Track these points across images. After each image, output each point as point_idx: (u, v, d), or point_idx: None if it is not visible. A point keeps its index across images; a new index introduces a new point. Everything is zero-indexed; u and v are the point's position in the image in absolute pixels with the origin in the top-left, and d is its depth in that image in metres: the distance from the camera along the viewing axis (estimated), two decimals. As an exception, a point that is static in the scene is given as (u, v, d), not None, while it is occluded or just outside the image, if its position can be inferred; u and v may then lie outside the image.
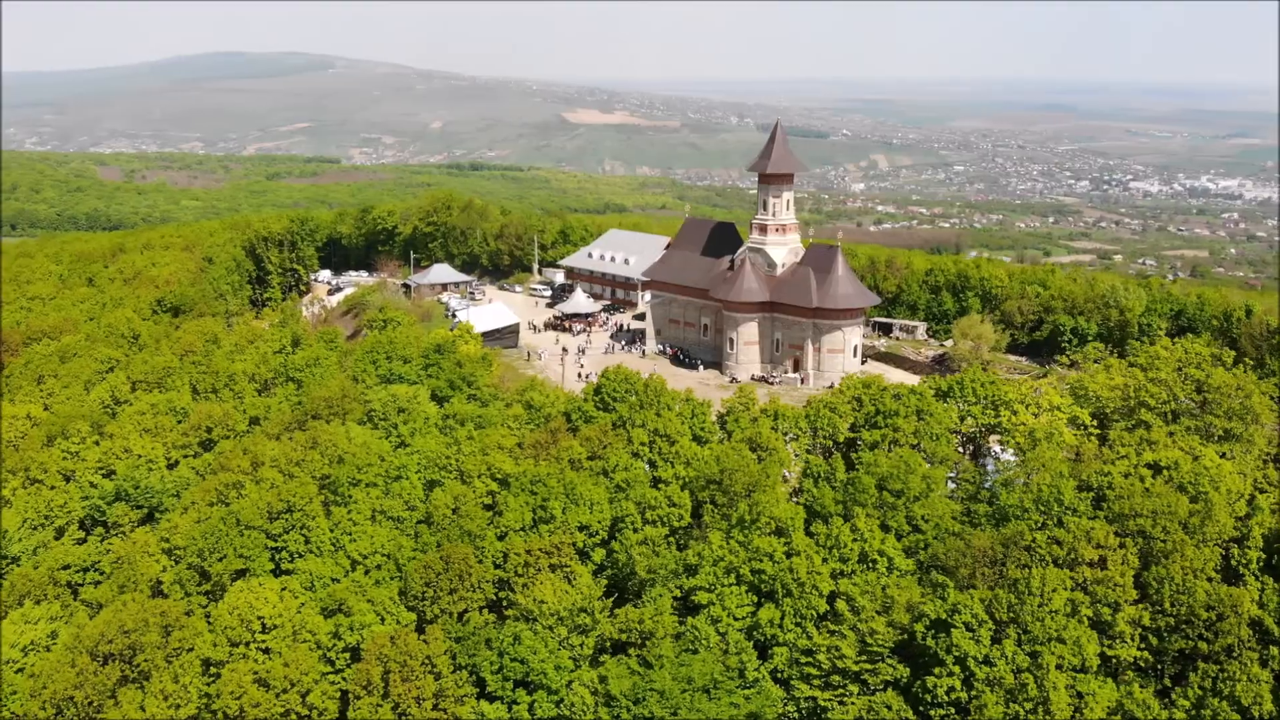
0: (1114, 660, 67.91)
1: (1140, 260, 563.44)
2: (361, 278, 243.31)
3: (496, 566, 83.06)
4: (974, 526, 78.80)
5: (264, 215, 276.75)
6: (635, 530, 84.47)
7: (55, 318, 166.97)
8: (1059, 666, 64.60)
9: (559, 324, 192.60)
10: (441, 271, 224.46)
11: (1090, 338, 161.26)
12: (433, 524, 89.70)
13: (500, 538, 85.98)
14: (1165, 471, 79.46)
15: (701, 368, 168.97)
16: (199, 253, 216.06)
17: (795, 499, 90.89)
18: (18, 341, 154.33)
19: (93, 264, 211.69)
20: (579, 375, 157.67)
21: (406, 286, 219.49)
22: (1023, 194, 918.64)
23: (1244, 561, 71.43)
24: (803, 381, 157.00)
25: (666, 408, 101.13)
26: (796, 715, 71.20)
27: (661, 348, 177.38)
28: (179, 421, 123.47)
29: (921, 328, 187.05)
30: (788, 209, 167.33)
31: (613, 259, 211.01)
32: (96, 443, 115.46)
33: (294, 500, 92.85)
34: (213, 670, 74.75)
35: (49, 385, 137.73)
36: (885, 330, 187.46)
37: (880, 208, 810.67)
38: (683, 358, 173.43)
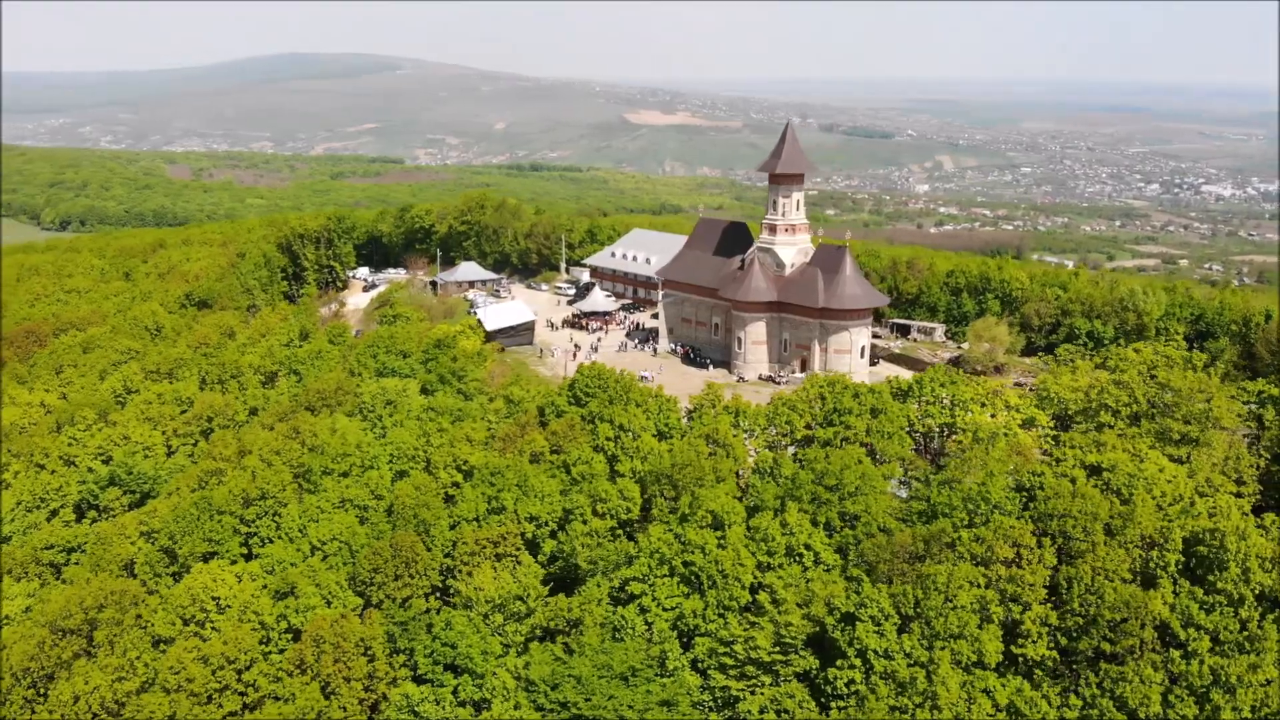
0: (1022, 659, 67.43)
1: (1206, 265, 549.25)
2: (397, 275, 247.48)
3: (446, 555, 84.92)
4: (908, 524, 78.75)
5: (301, 213, 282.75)
6: (584, 522, 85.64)
7: (86, 310, 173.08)
8: (957, 662, 64.51)
9: (576, 322, 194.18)
10: (469, 269, 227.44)
11: (1106, 341, 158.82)
12: (393, 513, 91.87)
13: (453, 527, 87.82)
14: (1103, 474, 78.47)
15: (712, 367, 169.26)
16: (233, 249, 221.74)
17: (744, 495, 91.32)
18: (48, 332, 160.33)
19: (133, 259, 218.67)
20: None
21: (434, 284, 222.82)
22: (1091, 197, 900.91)
23: (1161, 564, 70.61)
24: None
25: (635, 404, 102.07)
26: (711, 703, 72.07)
27: (673, 346, 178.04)
28: (183, 411, 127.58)
29: (940, 329, 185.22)
30: (798, 209, 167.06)
31: (634, 258, 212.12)
32: (100, 430, 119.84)
33: (268, 488, 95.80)
34: (162, 647, 77.67)
35: (68, 374, 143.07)
36: (903, 332, 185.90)
37: (943, 209, 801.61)
38: (693, 356, 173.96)
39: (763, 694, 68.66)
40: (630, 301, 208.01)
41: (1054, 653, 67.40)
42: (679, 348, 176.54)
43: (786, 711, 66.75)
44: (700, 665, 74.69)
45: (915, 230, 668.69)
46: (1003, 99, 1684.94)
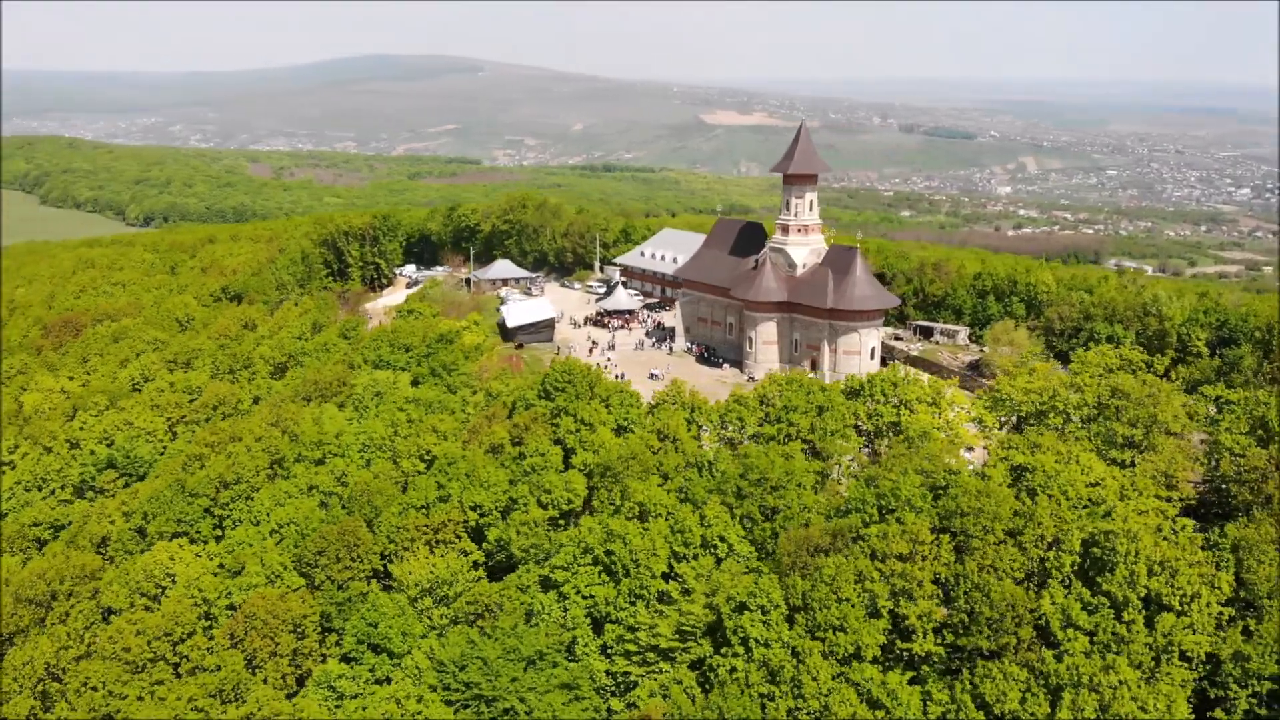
0: (906, 654, 67.57)
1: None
2: (440, 273, 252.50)
3: (390, 540, 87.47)
4: (828, 519, 79.16)
5: (346, 211, 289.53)
6: (524, 511, 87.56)
7: (124, 302, 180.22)
8: (834, 654, 65.09)
9: (599, 320, 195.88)
10: (502, 267, 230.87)
11: (1127, 346, 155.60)
12: (349, 499, 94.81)
13: (402, 513, 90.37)
14: (1026, 475, 77.77)
15: (726, 366, 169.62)
16: (276, 245, 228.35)
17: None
18: (85, 323, 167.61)
19: (182, 254, 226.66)
20: (597, 365, 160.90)
21: (468, 281, 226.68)
22: (1178, 201, 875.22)
23: (1057, 565, 69.68)
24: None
25: (599, 399, 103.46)
26: (612, 688, 73.61)
27: (689, 345, 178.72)
28: (191, 400, 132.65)
29: (963, 332, 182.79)
30: (811, 210, 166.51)
31: (662, 258, 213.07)
32: (108, 415, 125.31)
33: (243, 473, 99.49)
34: (112, 618, 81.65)
35: (93, 363, 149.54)
36: (926, 334, 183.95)
37: (1022, 212, 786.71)
38: (708, 355, 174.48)
39: (656, 679, 70.10)
40: (657, 300, 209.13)
41: (941, 649, 67.31)
42: (694, 346, 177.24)
43: (672, 696, 67.96)
44: (609, 651, 76.39)
45: (992, 233, 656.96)
46: (1089, 99, 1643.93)
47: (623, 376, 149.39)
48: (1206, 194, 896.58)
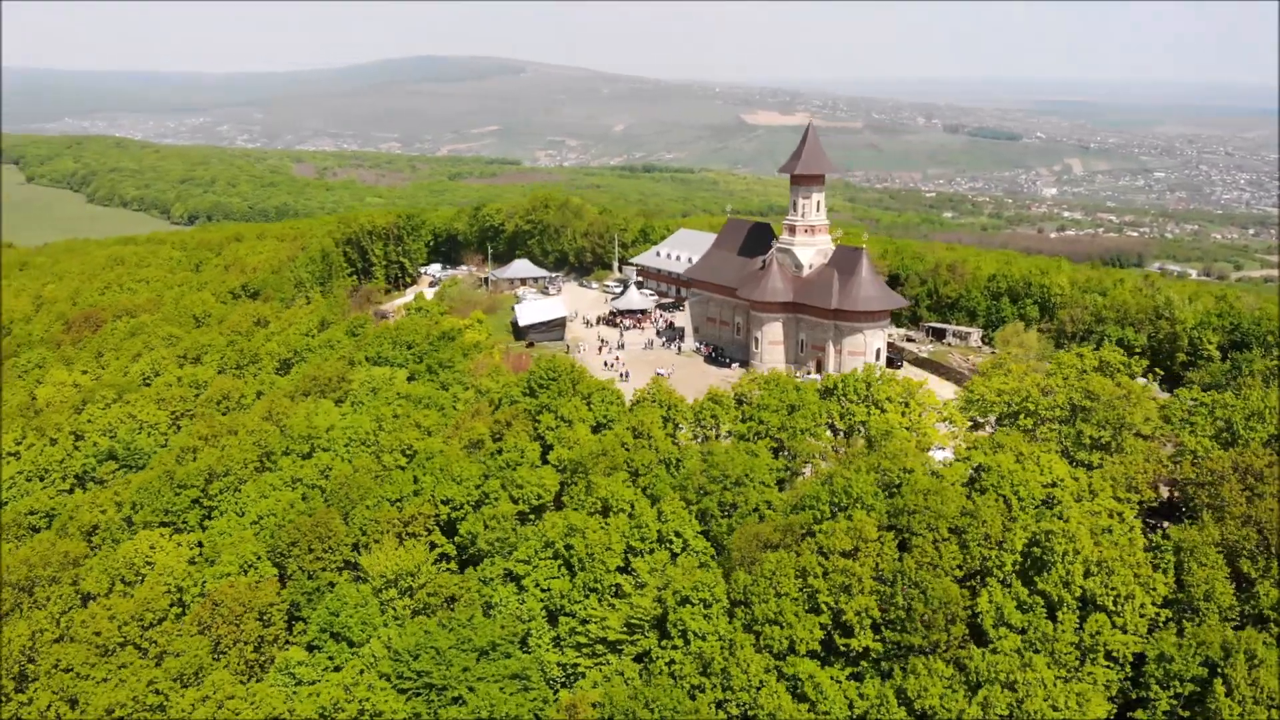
0: (845, 649, 67.87)
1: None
2: (463, 272, 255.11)
3: (363, 532, 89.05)
4: (786, 515, 79.63)
5: (370, 211, 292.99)
6: (493, 505, 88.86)
7: (144, 298, 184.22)
8: (769, 648, 65.59)
9: (611, 319, 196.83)
10: (520, 266, 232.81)
11: (1137, 349, 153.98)
12: (330, 492, 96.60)
13: (375, 506, 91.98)
14: (983, 474, 77.55)
15: (735, 366, 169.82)
16: (299, 244, 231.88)
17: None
18: (106, 318, 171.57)
19: (208, 251, 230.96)
20: (605, 365, 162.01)
21: (486, 280, 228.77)
22: (1227, 204, 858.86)
23: (998, 564, 69.50)
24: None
25: (580, 396, 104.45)
26: (561, 679, 74.44)
27: (698, 345, 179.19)
28: (197, 395, 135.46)
29: (975, 334, 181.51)
30: (818, 210, 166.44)
31: (677, 258, 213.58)
32: (113, 408, 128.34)
33: (232, 465, 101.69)
34: (89, 604, 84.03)
35: (107, 358, 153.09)
36: (939, 335, 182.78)
37: (1067, 214, 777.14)
38: (716, 355, 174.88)
39: (602, 671, 71.17)
40: (672, 300, 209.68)
41: (879, 645, 67.56)
42: (702, 346, 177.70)
43: (604, 688, 69.12)
44: (561, 643, 77.59)
45: (1034, 235, 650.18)
46: (1138, 100, 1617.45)
47: (627, 375, 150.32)
48: (1256, 197, 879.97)
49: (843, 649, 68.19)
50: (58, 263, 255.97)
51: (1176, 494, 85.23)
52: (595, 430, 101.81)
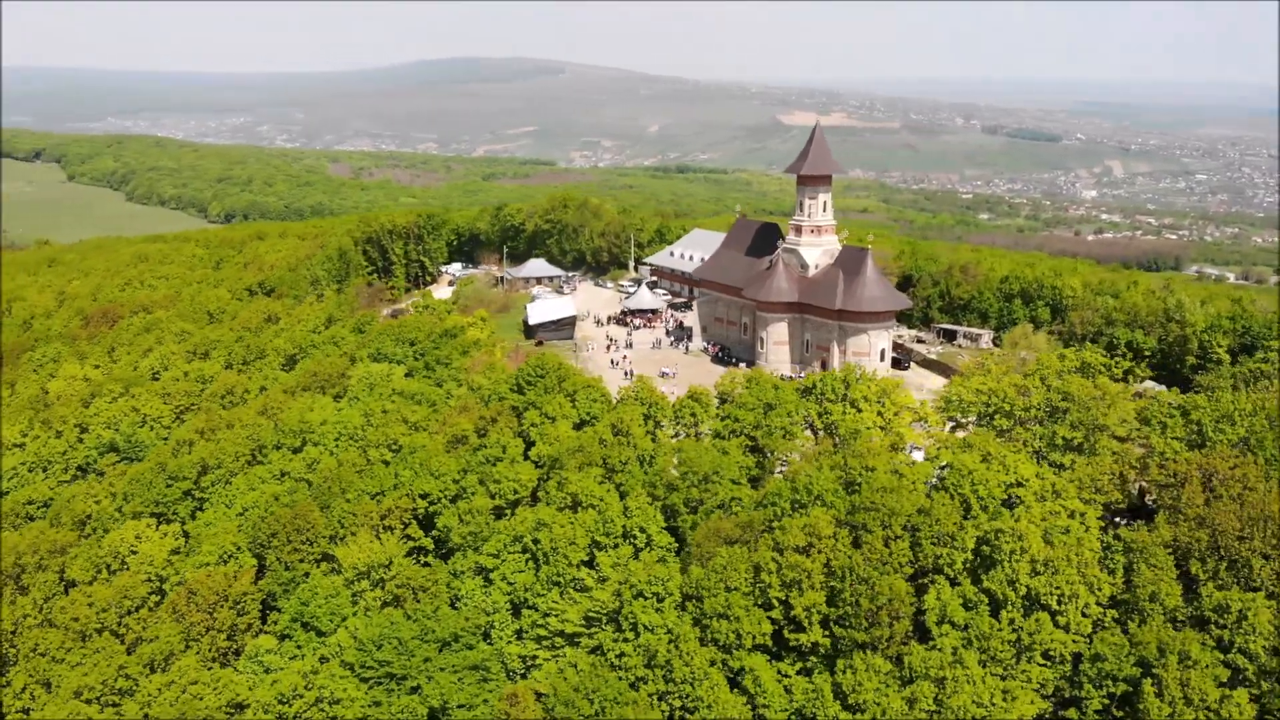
0: (795, 644, 68.25)
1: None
2: (481, 271, 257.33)
3: (341, 525, 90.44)
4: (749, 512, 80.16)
5: (391, 210, 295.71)
6: (468, 500, 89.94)
7: (161, 294, 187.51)
8: (716, 641, 66.04)
9: (622, 319, 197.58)
10: (535, 266, 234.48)
11: (1146, 353, 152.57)
12: (316, 485, 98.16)
13: (355, 499, 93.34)
14: (946, 473, 77.52)
15: (742, 365, 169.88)
16: (319, 242, 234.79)
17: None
18: (123, 314, 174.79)
19: (230, 249, 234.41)
20: (612, 363, 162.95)
21: (501, 279, 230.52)
22: (1269, 207, 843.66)
23: (948, 562, 69.38)
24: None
25: (565, 394, 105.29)
26: (520, 670, 75.74)
27: (706, 345, 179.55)
28: (202, 389, 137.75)
29: (987, 336, 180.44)
30: (824, 210, 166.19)
31: (690, 257, 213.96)
32: (118, 402, 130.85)
33: (224, 458, 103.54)
34: (72, 592, 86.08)
35: (119, 353, 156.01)
36: (950, 337, 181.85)
37: (1105, 216, 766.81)
38: (723, 355, 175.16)
39: (557, 662, 72.03)
40: (684, 300, 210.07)
41: (827, 640, 67.81)
42: (710, 346, 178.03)
43: (564, 677, 69.91)
44: (523, 635, 78.43)
45: (1070, 237, 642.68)
46: (1181, 101, 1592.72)
47: (631, 374, 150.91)
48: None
49: (793, 644, 68.45)
50: (85, 259, 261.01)
51: (1153, 497, 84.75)
52: (578, 427, 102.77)
